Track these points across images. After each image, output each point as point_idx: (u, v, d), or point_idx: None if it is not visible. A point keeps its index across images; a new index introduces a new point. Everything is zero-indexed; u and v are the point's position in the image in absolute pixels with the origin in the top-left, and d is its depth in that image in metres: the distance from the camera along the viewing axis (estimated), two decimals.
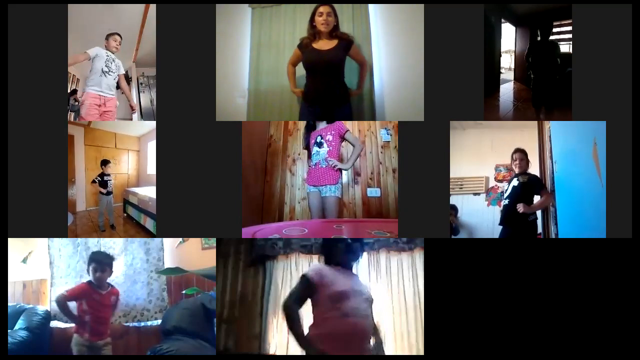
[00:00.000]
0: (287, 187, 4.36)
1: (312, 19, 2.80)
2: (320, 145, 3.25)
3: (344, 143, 3.35)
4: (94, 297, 2.61)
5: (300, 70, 2.94)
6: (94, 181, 4.40)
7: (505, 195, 3.15)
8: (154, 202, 2.47)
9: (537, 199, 3.03)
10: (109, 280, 2.69)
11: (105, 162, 4.42)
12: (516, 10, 2.80)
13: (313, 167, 3.27)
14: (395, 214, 3.57)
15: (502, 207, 3.17)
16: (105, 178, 4.36)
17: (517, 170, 3.10)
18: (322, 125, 3.30)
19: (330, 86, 2.82)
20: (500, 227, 3.11)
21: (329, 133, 3.23)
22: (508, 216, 3.06)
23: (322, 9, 2.77)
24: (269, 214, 4.21)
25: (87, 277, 2.66)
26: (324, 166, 3.20)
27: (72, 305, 2.61)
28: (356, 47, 2.92)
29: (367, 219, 3.91)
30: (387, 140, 4.33)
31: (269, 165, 4.45)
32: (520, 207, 2.95)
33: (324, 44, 2.82)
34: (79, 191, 4.65)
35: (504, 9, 2.72)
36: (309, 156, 3.38)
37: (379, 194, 4.14)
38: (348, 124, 4.48)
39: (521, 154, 3.09)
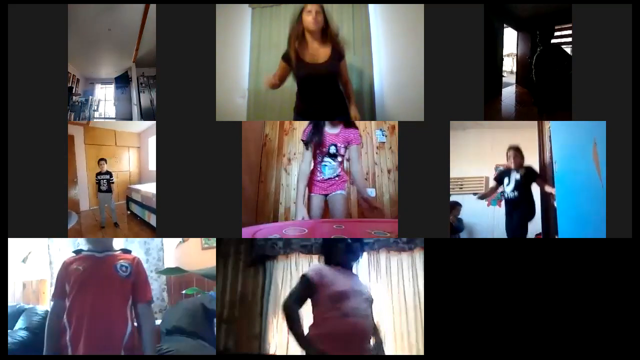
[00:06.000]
0: (283, 187, 4.32)
1: (299, 19, 2.48)
2: (334, 157, 2.88)
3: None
4: (85, 264, 1.74)
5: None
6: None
7: (510, 188, 3.25)
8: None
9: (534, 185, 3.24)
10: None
11: (99, 161, 4.38)
12: (518, 13, 2.79)
13: (325, 180, 2.92)
14: (390, 214, 3.56)
15: (509, 198, 3.27)
16: (99, 177, 4.35)
17: (513, 166, 3.27)
18: (335, 129, 2.84)
19: (326, 99, 2.59)
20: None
21: (343, 145, 2.86)
22: (520, 202, 3.20)
23: (310, 7, 2.46)
24: (264, 214, 4.16)
25: None
26: (337, 179, 2.94)
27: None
28: (345, 62, 2.65)
29: (367, 219, 3.90)
30: (382, 141, 4.31)
31: (263, 165, 4.41)
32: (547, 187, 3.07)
33: (316, 53, 2.53)
34: (82, 191, 4.65)
35: (505, 12, 2.71)
36: (314, 156, 2.90)
37: (374, 195, 4.13)
38: None
39: (515, 151, 3.28)
